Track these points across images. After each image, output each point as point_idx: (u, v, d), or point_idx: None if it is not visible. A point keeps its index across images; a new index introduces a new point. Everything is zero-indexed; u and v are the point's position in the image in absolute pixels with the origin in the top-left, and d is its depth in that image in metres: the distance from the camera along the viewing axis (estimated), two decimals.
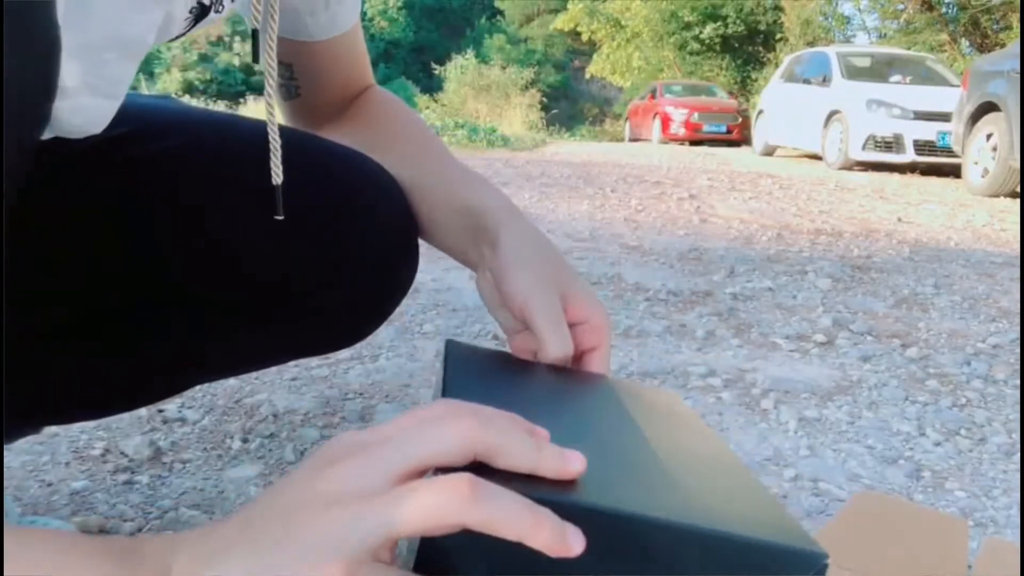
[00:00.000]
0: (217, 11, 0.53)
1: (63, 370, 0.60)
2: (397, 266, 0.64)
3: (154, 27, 0.46)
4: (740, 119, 12.64)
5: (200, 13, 0.51)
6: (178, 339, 0.63)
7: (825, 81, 7.92)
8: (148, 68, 22.37)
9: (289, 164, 0.57)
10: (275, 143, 0.55)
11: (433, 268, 2.20)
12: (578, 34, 22.54)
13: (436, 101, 20.34)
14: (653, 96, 13.77)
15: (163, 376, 0.67)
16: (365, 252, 0.62)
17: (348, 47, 0.69)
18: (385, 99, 0.73)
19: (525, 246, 0.54)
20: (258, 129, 0.64)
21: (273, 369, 1.37)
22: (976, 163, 5.26)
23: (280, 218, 0.56)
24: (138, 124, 0.59)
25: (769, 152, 9.31)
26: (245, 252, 0.60)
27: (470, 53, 21.59)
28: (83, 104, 0.45)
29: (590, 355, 0.53)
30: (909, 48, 11.36)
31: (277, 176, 0.55)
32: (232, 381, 1.31)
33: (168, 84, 20.72)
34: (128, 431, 1.11)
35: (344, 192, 0.61)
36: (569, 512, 0.29)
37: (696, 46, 18.84)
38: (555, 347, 0.50)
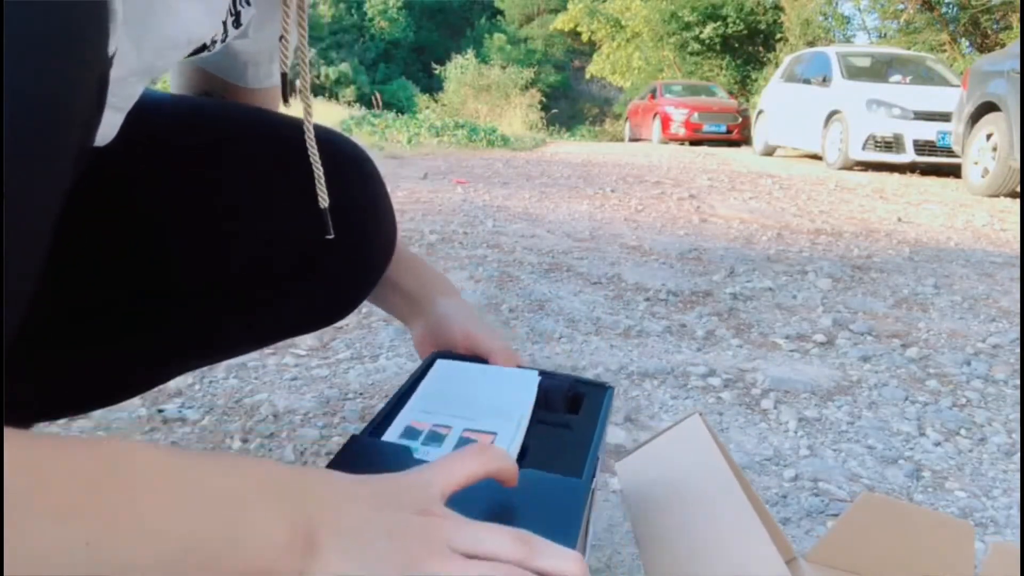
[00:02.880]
0: (210, 50, 0.58)
1: (52, 365, 0.60)
2: (376, 245, 0.70)
3: (176, 62, 0.52)
4: (740, 119, 12.63)
5: (200, 49, 0.56)
6: (166, 326, 0.64)
7: (825, 81, 7.92)
8: None
9: (279, 149, 0.62)
10: (318, 171, 0.62)
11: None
12: (578, 34, 22.55)
13: (436, 101, 20.33)
14: (653, 96, 13.75)
15: (151, 366, 0.67)
16: (350, 233, 0.66)
17: (272, 96, 0.78)
18: None
19: (454, 310, 0.74)
20: (259, 117, 0.68)
21: (273, 369, 1.37)
22: (976, 163, 5.26)
23: (331, 237, 0.63)
24: (137, 113, 0.59)
25: (769, 152, 9.31)
26: (242, 238, 0.63)
27: (470, 53, 21.57)
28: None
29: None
30: (909, 48, 11.36)
31: (324, 200, 0.62)
32: (232, 380, 1.31)
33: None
34: (128, 431, 1.11)
35: (337, 176, 0.65)
36: None
37: (696, 46, 18.84)
38: (504, 359, 0.69)
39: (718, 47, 18.79)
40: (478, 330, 0.71)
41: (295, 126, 0.66)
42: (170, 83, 0.77)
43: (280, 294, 0.66)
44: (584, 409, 0.60)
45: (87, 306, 0.60)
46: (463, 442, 0.52)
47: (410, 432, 0.53)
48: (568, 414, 0.59)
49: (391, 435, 0.53)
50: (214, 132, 0.66)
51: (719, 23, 18.24)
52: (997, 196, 5.00)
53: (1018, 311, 2.08)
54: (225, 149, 0.64)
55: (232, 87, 0.74)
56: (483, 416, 0.56)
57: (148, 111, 0.59)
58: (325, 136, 0.67)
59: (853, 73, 7.88)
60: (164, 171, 0.62)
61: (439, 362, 0.66)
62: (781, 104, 8.85)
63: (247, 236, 0.63)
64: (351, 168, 0.68)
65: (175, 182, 0.62)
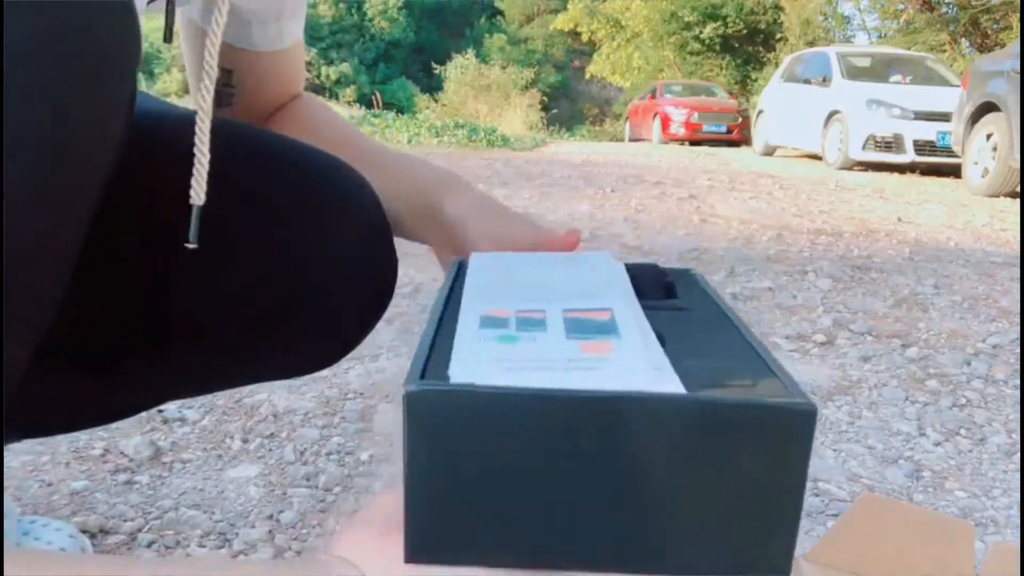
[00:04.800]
0: None
1: (44, 388, 0.58)
2: (377, 271, 0.62)
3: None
4: (740, 119, 12.62)
5: None
6: (156, 360, 0.60)
7: (825, 81, 7.92)
8: (148, 68, 22.35)
9: (261, 170, 0.56)
10: (202, 157, 0.49)
11: (433, 268, 2.19)
12: (578, 34, 22.54)
13: (436, 101, 20.34)
14: (653, 96, 13.75)
15: (133, 396, 0.64)
16: (343, 261, 0.59)
17: (290, 61, 0.69)
18: (310, 103, 0.73)
19: (468, 210, 0.59)
20: (264, 144, 0.61)
21: None
22: (976, 163, 5.26)
23: (193, 246, 0.50)
24: (140, 141, 0.57)
25: (769, 152, 9.31)
26: (225, 270, 0.57)
27: (470, 53, 21.58)
28: None
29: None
30: (909, 48, 11.36)
31: (198, 196, 0.49)
32: None
33: (168, 84, 20.75)
34: (128, 431, 1.11)
35: (318, 200, 0.59)
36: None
37: (696, 46, 18.84)
38: (561, 245, 0.55)
39: (718, 47, 18.79)
40: (505, 225, 0.57)
41: (296, 162, 0.60)
42: (186, 64, 0.68)
43: (272, 337, 0.60)
44: (682, 293, 0.45)
45: (84, 330, 0.58)
46: (573, 324, 0.35)
47: (491, 321, 0.35)
48: (668, 299, 0.44)
49: (466, 331, 0.34)
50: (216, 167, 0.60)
51: (719, 23, 18.24)
52: (997, 196, 5.00)
53: (1018, 311, 2.08)
54: (227, 181, 0.56)
55: (246, 56, 0.66)
56: (577, 297, 0.38)
57: (152, 134, 0.56)
58: (325, 164, 0.60)
59: (853, 73, 7.88)
60: (164, 197, 0.57)
61: (475, 255, 0.48)
62: (781, 104, 8.85)
63: (237, 275, 0.57)
64: (347, 205, 0.59)
65: (171, 209, 0.58)
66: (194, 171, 0.49)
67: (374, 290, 0.61)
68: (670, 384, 0.29)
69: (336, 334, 0.62)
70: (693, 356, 0.33)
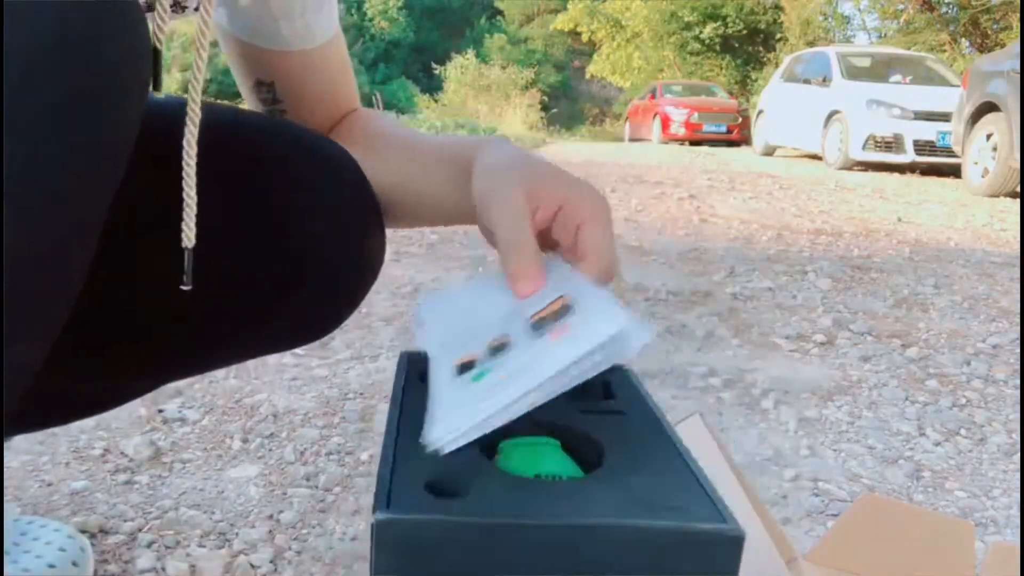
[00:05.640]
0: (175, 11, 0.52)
1: (41, 379, 0.58)
2: (367, 237, 0.62)
3: None
4: (740, 119, 12.62)
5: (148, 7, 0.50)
6: (150, 341, 0.60)
7: (825, 81, 7.92)
8: None
9: (245, 152, 0.56)
10: (190, 200, 0.48)
11: (434, 268, 2.19)
12: (578, 34, 22.53)
13: (436, 101, 20.34)
14: (653, 96, 13.75)
15: (131, 382, 0.64)
16: (333, 231, 0.59)
17: (328, 61, 0.66)
18: (369, 115, 0.71)
19: (498, 164, 0.51)
20: (228, 119, 0.61)
21: (273, 369, 1.37)
22: (976, 163, 5.26)
23: (187, 288, 0.50)
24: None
25: (769, 152, 9.31)
26: (218, 253, 0.57)
27: (470, 53, 21.59)
28: None
29: (580, 232, 0.47)
30: (909, 48, 11.36)
31: (188, 239, 0.49)
32: (232, 381, 1.31)
33: (168, 84, 20.72)
34: (128, 431, 1.11)
35: (303, 173, 0.59)
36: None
37: (696, 46, 18.84)
38: (501, 235, 0.46)
39: (718, 47, 18.79)
40: (548, 185, 0.48)
41: (283, 135, 0.60)
42: (236, 79, 0.68)
43: (264, 312, 0.61)
44: (617, 391, 0.49)
45: (79, 320, 0.57)
46: (537, 325, 0.39)
47: (465, 367, 0.39)
48: (606, 398, 0.49)
49: (441, 383, 0.38)
50: (205, 145, 0.61)
51: (719, 23, 18.24)
52: (997, 196, 5.00)
53: (1018, 311, 2.08)
54: (216, 161, 0.56)
55: (282, 61, 0.64)
56: (534, 302, 0.42)
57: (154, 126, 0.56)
58: (310, 141, 0.61)
59: (853, 73, 7.88)
60: (153, 178, 0.58)
61: (423, 302, 0.53)
62: (781, 104, 8.85)
63: (230, 253, 0.58)
64: (336, 176, 0.60)
65: (165, 191, 0.58)
66: (184, 215, 0.48)
67: (366, 255, 0.61)
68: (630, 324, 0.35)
69: (332, 304, 0.62)
70: (632, 471, 0.38)
